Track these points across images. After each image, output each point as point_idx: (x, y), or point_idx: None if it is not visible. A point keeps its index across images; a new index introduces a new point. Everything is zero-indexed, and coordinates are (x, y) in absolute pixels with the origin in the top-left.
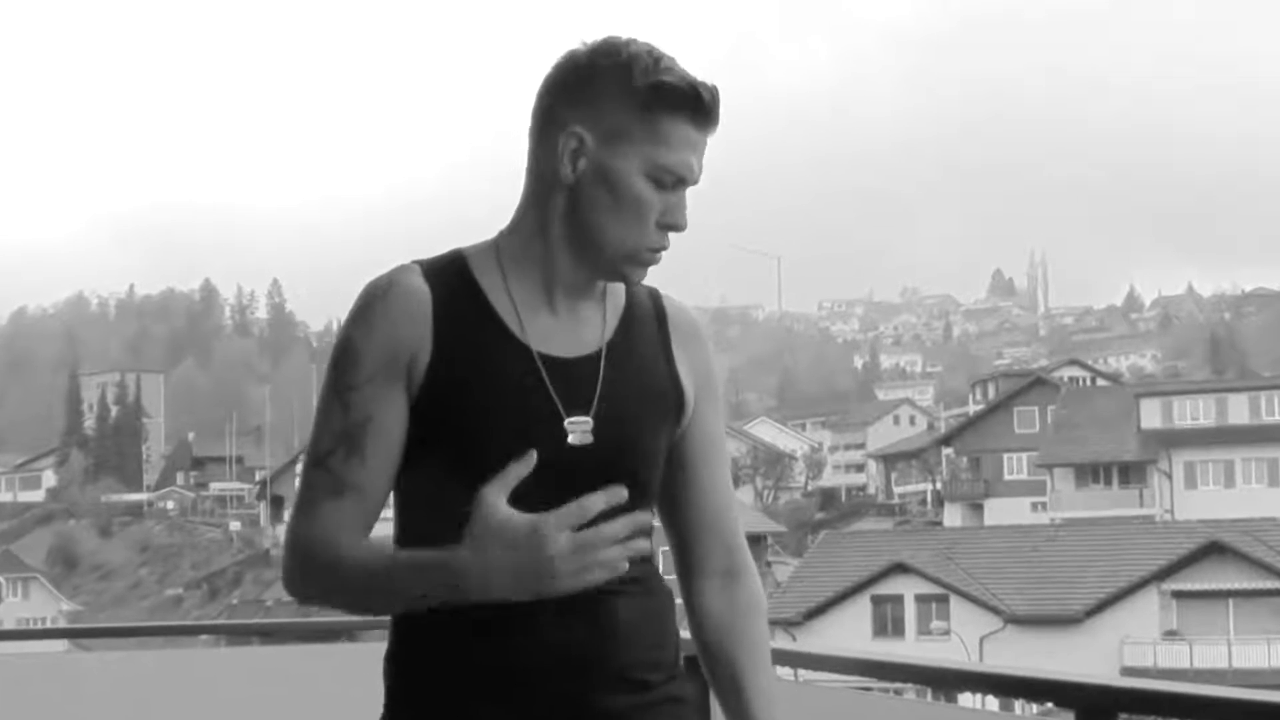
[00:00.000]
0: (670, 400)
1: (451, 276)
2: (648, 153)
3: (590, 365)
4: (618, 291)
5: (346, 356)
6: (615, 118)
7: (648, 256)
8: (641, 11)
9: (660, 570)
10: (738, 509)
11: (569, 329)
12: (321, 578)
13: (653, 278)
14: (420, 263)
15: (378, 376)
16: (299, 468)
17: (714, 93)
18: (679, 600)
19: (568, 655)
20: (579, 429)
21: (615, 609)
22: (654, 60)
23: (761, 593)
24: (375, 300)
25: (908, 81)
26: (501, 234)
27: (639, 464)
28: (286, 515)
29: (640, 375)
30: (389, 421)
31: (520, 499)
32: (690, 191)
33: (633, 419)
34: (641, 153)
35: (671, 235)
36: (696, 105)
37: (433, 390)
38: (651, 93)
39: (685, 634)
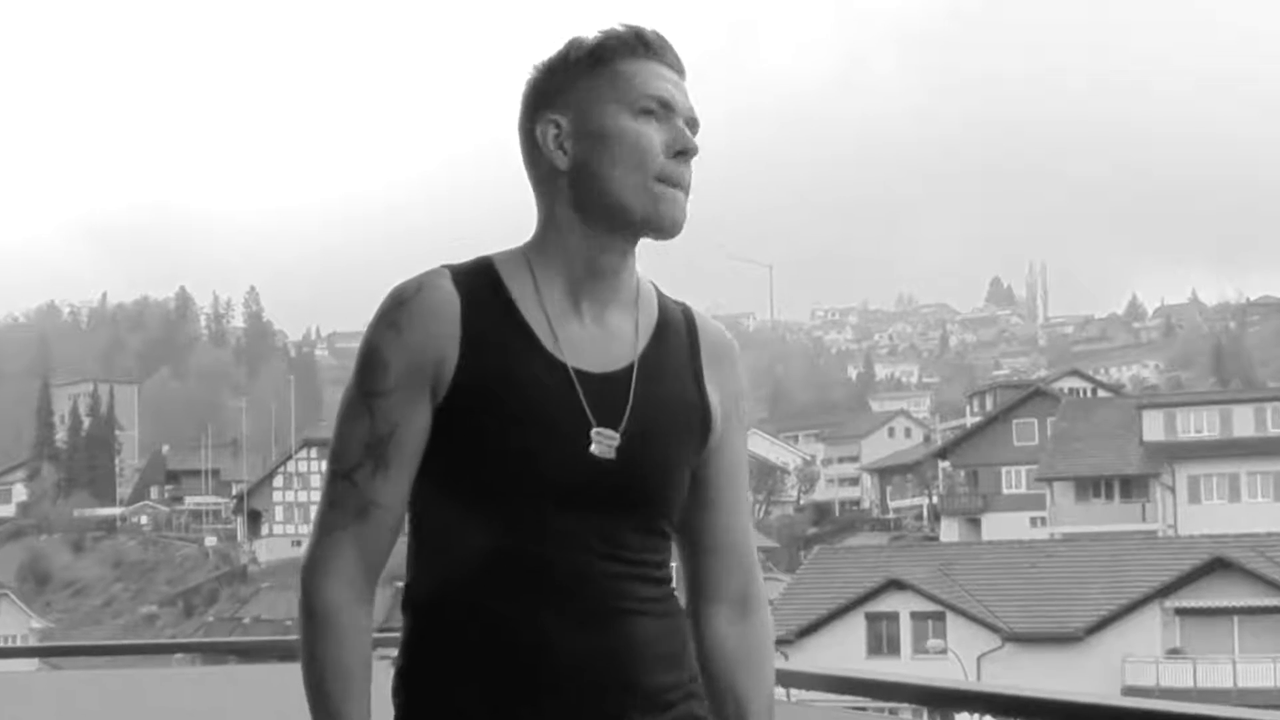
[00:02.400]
0: (698, 420)
1: (481, 284)
2: (622, 95)
3: (622, 380)
4: (650, 303)
5: (373, 361)
6: (578, 91)
7: (666, 189)
8: (631, 9)
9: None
10: (754, 536)
11: (601, 342)
12: (308, 640)
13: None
14: (450, 267)
15: (404, 383)
16: (277, 481)
17: (655, 31)
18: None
19: (590, 671)
20: (605, 440)
21: (635, 627)
22: (584, 37)
23: (771, 624)
24: (404, 303)
25: (904, 85)
26: (527, 244)
27: (664, 483)
28: (264, 530)
29: (670, 392)
30: (413, 432)
31: (548, 516)
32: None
33: (661, 436)
34: (617, 99)
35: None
36: (643, 42)
37: (458, 397)
38: (595, 53)
39: None
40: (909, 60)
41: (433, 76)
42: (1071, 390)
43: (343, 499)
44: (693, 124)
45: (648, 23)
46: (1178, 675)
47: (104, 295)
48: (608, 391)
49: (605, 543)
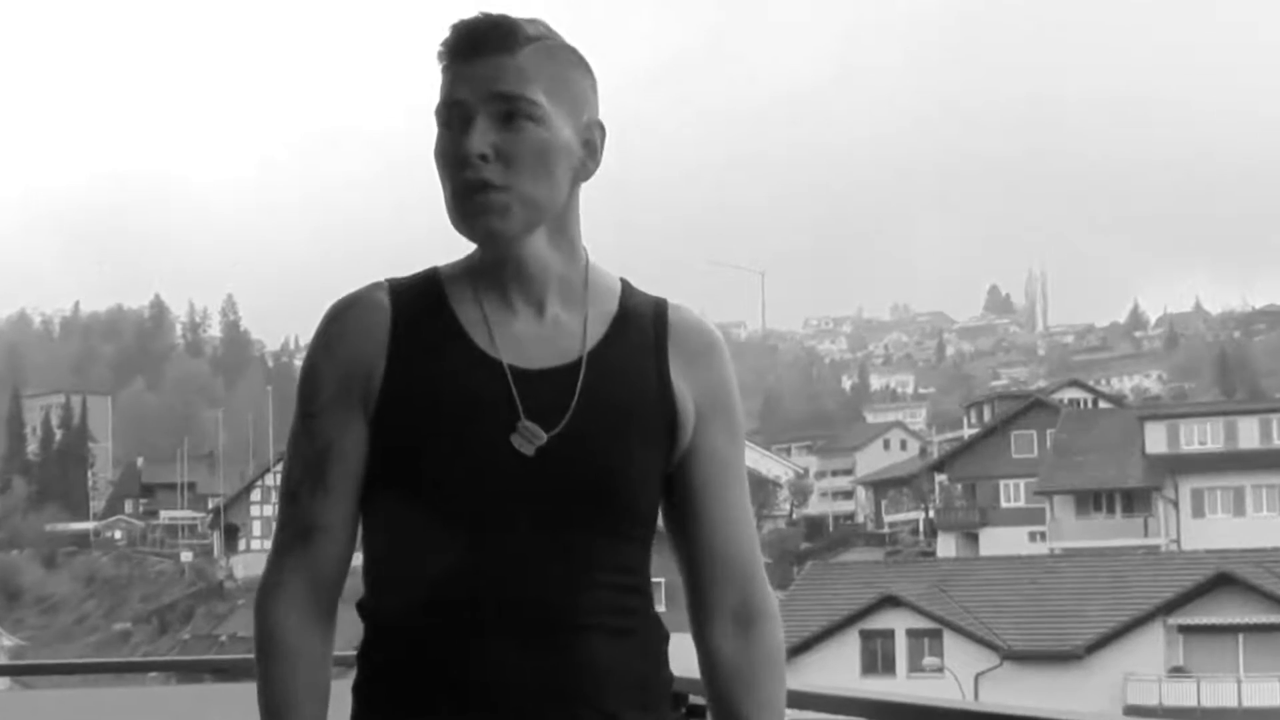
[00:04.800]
0: (656, 417)
1: (420, 293)
2: (436, 108)
3: (566, 376)
4: (605, 297)
5: (308, 380)
6: None
7: (468, 201)
8: (626, 5)
9: (660, 604)
10: (755, 543)
11: (546, 338)
12: (258, 664)
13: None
14: (390, 280)
15: (337, 400)
16: (254, 495)
17: (470, 21)
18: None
19: (532, 692)
20: (526, 434)
21: (589, 645)
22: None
23: (780, 639)
24: (334, 320)
25: (900, 89)
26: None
27: (612, 483)
28: (241, 545)
29: (623, 388)
30: (349, 449)
31: (485, 521)
32: (670, 201)
33: (607, 434)
34: (436, 112)
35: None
36: (447, 43)
37: (387, 408)
38: (441, 66)
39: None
40: (905, 63)
41: (419, 75)
42: (1072, 401)
43: (288, 521)
44: (501, 100)
45: (637, 21)
46: (1181, 694)
47: (76, 304)
48: (549, 388)
49: (553, 551)
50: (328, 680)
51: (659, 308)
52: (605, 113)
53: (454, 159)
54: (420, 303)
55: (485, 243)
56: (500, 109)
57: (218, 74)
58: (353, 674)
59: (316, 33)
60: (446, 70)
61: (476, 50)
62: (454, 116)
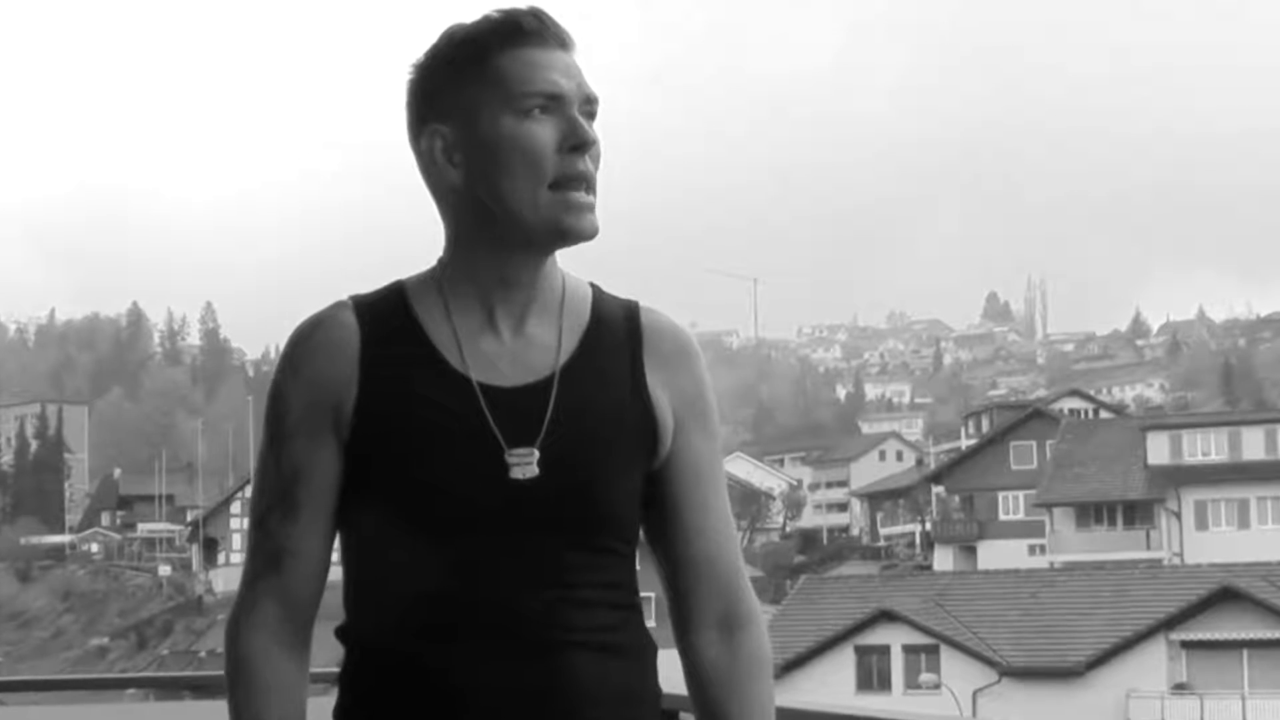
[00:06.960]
0: (636, 428)
1: (386, 310)
2: (505, 97)
3: (540, 393)
4: (578, 309)
5: (276, 404)
6: (455, 92)
7: (568, 195)
8: (624, 6)
9: (650, 617)
10: (737, 548)
11: (517, 354)
12: (228, 691)
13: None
14: (355, 297)
15: (305, 423)
16: (233, 508)
17: (535, 11)
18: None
19: (518, 709)
20: (522, 461)
21: (575, 661)
22: (462, 25)
23: (766, 645)
24: (301, 341)
25: (898, 92)
26: (438, 261)
27: (598, 497)
28: (220, 559)
29: (599, 400)
30: (321, 474)
31: (467, 541)
32: (663, 204)
33: (587, 449)
34: (497, 101)
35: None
36: (519, 28)
37: (362, 431)
38: (467, 48)
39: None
40: (904, 69)
41: (396, 75)
42: (1072, 411)
43: (258, 546)
44: (588, 103)
45: (637, 23)
46: (1184, 712)
47: (52, 311)
48: (523, 406)
49: (538, 569)
50: (303, 707)
51: (630, 312)
52: (600, 117)
53: (568, 145)
54: (388, 320)
55: (574, 242)
56: (586, 109)
57: (198, 84)
58: (330, 693)
59: (302, 43)
60: (521, 53)
61: (557, 41)
62: (553, 106)
